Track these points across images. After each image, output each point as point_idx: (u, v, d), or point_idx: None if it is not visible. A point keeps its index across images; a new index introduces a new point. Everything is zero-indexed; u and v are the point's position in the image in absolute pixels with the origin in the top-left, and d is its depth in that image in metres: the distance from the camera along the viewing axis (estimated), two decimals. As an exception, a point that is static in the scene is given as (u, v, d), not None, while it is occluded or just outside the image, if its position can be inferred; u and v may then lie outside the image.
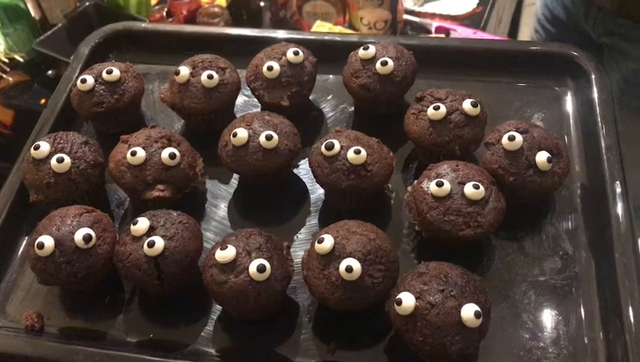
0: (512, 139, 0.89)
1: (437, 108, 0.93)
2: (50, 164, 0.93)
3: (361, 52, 1.02)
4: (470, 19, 1.83)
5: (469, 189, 0.85)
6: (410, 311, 0.75)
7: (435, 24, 1.77)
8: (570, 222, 0.93)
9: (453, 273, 0.77)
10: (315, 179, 0.94)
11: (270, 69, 1.01)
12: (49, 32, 1.65)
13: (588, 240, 0.91)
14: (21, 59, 1.65)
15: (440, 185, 0.85)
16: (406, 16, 1.79)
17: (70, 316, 0.90)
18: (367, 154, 0.90)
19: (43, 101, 1.54)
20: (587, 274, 0.88)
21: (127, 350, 0.84)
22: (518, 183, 0.89)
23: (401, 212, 0.96)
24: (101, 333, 0.87)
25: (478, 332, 0.75)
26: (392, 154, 0.95)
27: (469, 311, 0.73)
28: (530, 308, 0.85)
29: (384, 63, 0.99)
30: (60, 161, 0.92)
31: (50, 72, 1.64)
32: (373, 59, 1.01)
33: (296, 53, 1.03)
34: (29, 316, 0.88)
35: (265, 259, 0.80)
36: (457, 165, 0.89)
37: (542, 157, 0.89)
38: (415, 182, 0.91)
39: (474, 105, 0.93)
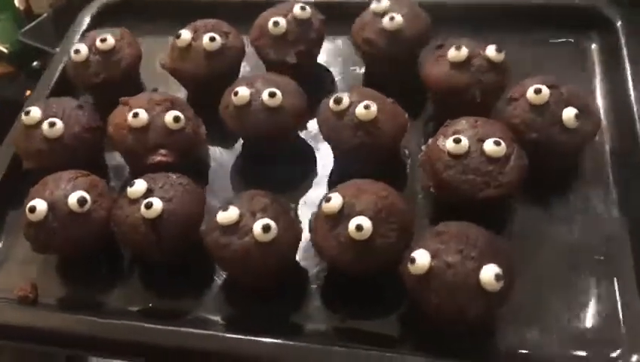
0: (538, 92, 0.91)
1: (459, 48, 0.96)
2: (41, 129, 0.97)
3: (373, 4, 1.07)
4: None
5: (489, 146, 0.86)
6: (425, 270, 0.76)
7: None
8: (599, 181, 0.96)
9: (474, 233, 0.78)
10: (322, 137, 0.98)
11: (276, 24, 1.06)
12: (34, 23, 1.69)
13: (619, 198, 0.93)
14: (5, 50, 1.70)
15: (457, 141, 0.87)
16: None
17: (66, 286, 0.95)
18: (378, 110, 0.93)
19: (29, 92, 1.58)
20: (620, 234, 0.90)
21: (126, 319, 0.87)
22: (542, 141, 0.90)
23: (417, 176, 0.98)
24: (99, 303, 0.92)
25: (499, 298, 0.76)
26: (406, 115, 0.98)
27: (489, 273, 0.74)
28: (559, 271, 0.87)
29: (392, 19, 1.03)
30: (52, 125, 0.97)
31: (35, 63, 1.68)
32: (384, 15, 1.05)
33: (303, 9, 1.08)
34: (23, 286, 0.92)
35: (270, 218, 0.83)
36: (476, 121, 0.90)
37: (569, 113, 0.90)
38: (430, 140, 0.93)
39: (498, 50, 0.96)
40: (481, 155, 0.87)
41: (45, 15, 1.73)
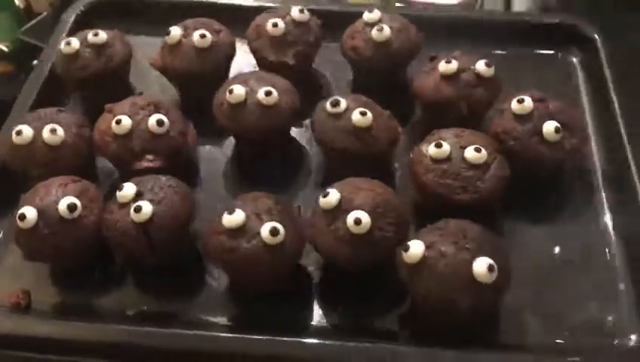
0: (521, 101, 0.93)
1: (449, 62, 0.99)
2: (40, 141, 0.96)
3: (365, 14, 1.08)
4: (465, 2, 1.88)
5: (469, 152, 0.89)
6: (418, 259, 0.77)
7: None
8: (587, 184, 1.00)
9: (472, 229, 0.80)
10: (314, 139, 0.99)
11: (275, 25, 1.06)
12: (34, 21, 1.70)
13: (608, 201, 0.98)
14: (5, 49, 1.69)
15: (439, 146, 0.89)
16: (398, 4, 1.83)
17: (60, 292, 0.93)
18: (373, 119, 0.93)
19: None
20: (609, 231, 0.95)
21: (122, 323, 0.87)
22: (519, 149, 0.92)
23: (406, 185, 0.99)
24: (94, 307, 0.91)
25: (493, 290, 0.77)
26: (399, 129, 0.99)
27: (481, 264, 0.75)
28: (552, 266, 0.91)
29: (380, 29, 1.04)
30: (53, 131, 0.96)
31: (35, 61, 1.68)
32: (374, 25, 1.06)
33: (301, 12, 1.09)
34: (14, 293, 0.92)
35: (277, 221, 0.83)
36: (462, 131, 0.93)
37: (550, 125, 0.91)
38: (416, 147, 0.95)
39: (488, 65, 0.98)
40: (461, 161, 0.89)
41: (45, 13, 1.73)
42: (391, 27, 1.05)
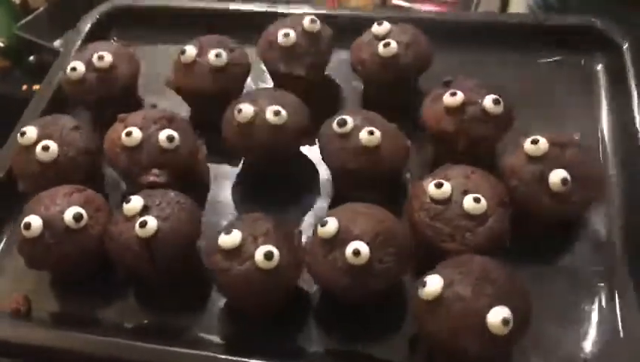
0: (535, 142, 0.88)
1: (454, 94, 0.94)
2: (35, 152, 0.96)
3: (374, 27, 1.07)
4: (461, 3, 1.90)
5: (468, 200, 0.84)
6: (434, 296, 0.75)
7: (425, 9, 1.84)
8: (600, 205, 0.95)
9: (496, 272, 0.77)
10: (322, 159, 0.97)
11: (286, 35, 1.06)
12: (30, 17, 1.71)
13: (622, 223, 0.93)
14: (1, 44, 1.69)
15: (439, 186, 0.85)
16: (395, 1, 1.85)
17: (61, 300, 0.94)
18: (382, 137, 0.92)
19: (25, 87, 1.58)
20: (620, 261, 0.90)
21: (121, 336, 0.87)
22: (521, 193, 0.87)
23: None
24: (94, 318, 0.91)
25: (506, 341, 0.74)
26: (409, 142, 0.97)
27: (496, 316, 0.72)
28: (558, 298, 0.87)
29: (386, 45, 1.03)
30: (46, 149, 0.96)
31: (31, 57, 1.68)
32: (383, 38, 1.05)
33: (313, 22, 1.08)
34: (15, 299, 0.92)
35: (273, 245, 0.82)
36: (472, 172, 0.88)
37: (556, 175, 0.86)
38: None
39: (496, 102, 0.93)
40: (460, 207, 0.84)
41: (42, 9, 1.73)
42: (399, 42, 1.03)
